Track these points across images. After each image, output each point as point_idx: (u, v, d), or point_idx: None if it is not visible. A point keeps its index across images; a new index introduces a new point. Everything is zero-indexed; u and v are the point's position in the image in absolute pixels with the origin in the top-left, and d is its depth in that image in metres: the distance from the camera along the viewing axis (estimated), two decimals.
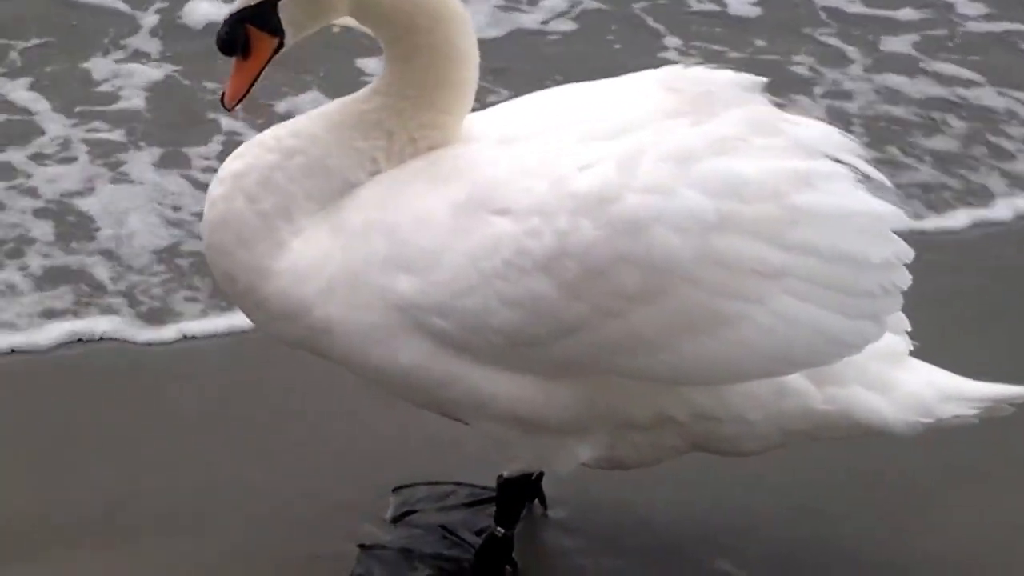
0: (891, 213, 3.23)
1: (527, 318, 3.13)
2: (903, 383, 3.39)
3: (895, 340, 3.43)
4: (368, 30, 3.32)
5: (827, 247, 3.16)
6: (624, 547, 3.72)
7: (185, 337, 4.50)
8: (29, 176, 5.13)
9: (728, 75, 3.42)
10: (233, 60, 3.25)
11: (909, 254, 3.25)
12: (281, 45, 3.26)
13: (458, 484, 3.89)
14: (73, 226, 4.92)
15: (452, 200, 3.19)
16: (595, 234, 3.09)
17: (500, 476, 3.53)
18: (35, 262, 4.75)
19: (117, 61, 5.80)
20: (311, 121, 3.36)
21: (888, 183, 3.38)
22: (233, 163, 3.33)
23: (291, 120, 3.40)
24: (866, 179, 3.29)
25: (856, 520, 3.87)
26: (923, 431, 3.40)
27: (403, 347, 3.22)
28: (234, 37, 3.22)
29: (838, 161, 3.26)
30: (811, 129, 3.34)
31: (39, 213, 4.97)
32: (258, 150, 3.32)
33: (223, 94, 3.28)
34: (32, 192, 5.05)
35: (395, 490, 3.89)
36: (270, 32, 3.23)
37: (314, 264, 3.25)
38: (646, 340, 3.14)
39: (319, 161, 3.29)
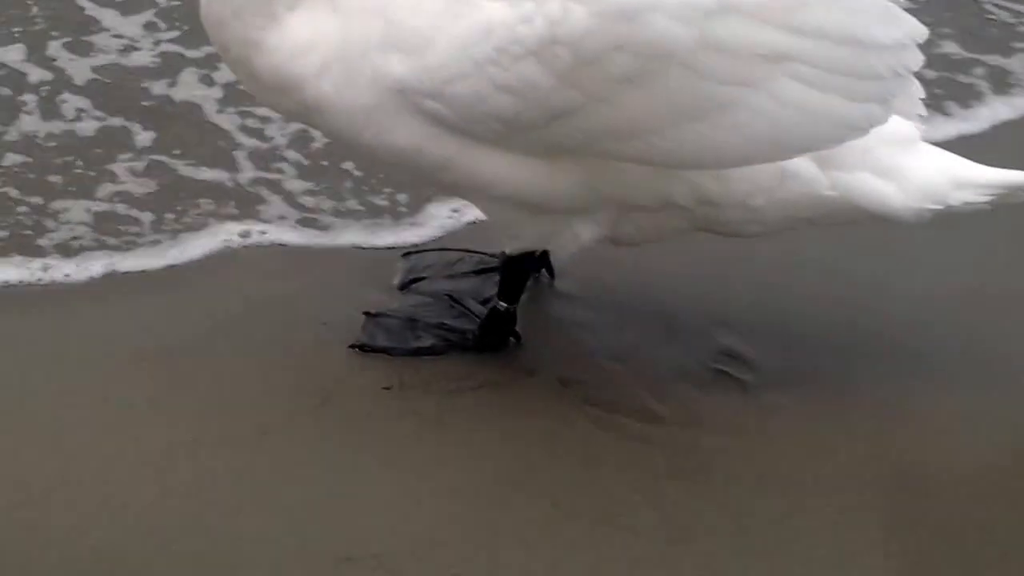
0: None
1: (520, 103, 3.05)
2: (913, 169, 3.29)
3: (906, 125, 3.31)
4: None
5: (836, 28, 3.03)
6: (629, 320, 3.72)
7: None
8: None
9: None
10: None
11: (922, 33, 3.11)
12: None
13: (467, 251, 3.88)
14: None
15: None
16: (588, 22, 2.97)
17: (502, 252, 3.52)
18: None
19: None
20: None
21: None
22: None
23: None
24: None
25: (864, 296, 3.84)
26: (931, 217, 3.31)
27: (398, 128, 3.17)
28: None
29: None
30: None
31: None
32: None
33: None
34: None
35: (404, 255, 3.90)
36: None
37: (308, 41, 3.18)
38: (637, 124, 3.06)
39: None
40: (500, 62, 3.03)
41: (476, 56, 3.04)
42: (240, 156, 4.28)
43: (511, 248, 3.47)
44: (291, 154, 4.29)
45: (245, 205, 4.08)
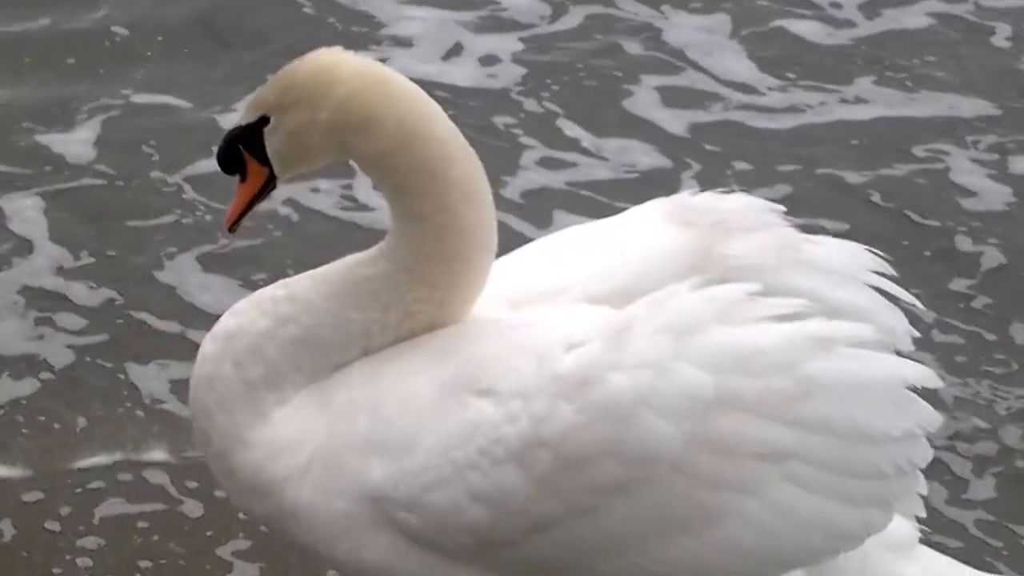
0: (920, 376, 2.87)
1: (495, 515, 2.82)
2: None
3: (904, 524, 3.08)
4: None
5: (842, 422, 2.80)
6: None
7: None
8: None
9: (739, 199, 3.16)
10: (237, 179, 3.05)
11: (935, 422, 2.87)
12: (273, 177, 3.01)
13: None
14: None
15: (439, 378, 2.91)
16: (573, 420, 2.76)
17: None
18: None
19: None
20: (312, 284, 3.08)
21: (920, 305, 3.14)
22: (228, 321, 3.11)
23: (294, 279, 3.13)
24: (896, 302, 3.10)
25: None
26: None
27: (372, 543, 2.94)
28: (228, 156, 3.02)
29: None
30: (835, 251, 3.10)
31: None
32: (254, 312, 3.08)
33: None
34: None
35: None
36: (259, 160, 3.00)
37: (292, 438, 3.01)
38: (619, 538, 2.83)
39: (311, 332, 3.04)
40: (480, 466, 2.81)
41: (457, 458, 2.83)
42: None
43: None
44: None
45: None
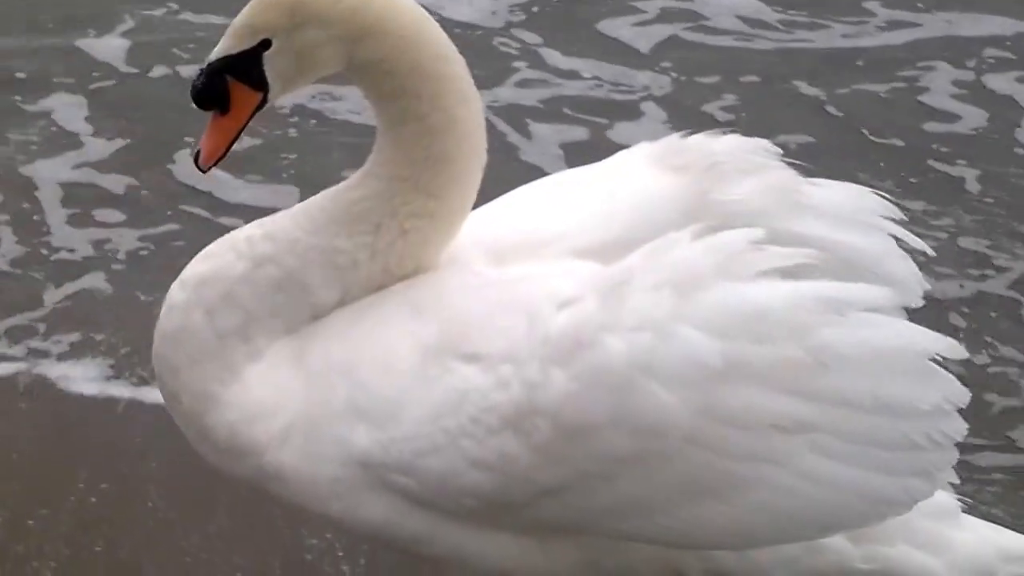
0: (942, 346, 2.69)
1: (499, 480, 2.67)
2: (958, 542, 2.90)
3: (945, 496, 2.93)
4: (361, 89, 2.92)
5: (863, 396, 2.63)
6: None
7: None
8: None
9: (732, 140, 2.96)
10: (210, 115, 2.83)
11: (964, 397, 2.70)
12: (264, 101, 2.82)
13: None
14: None
15: (421, 339, 2.74)
16: (568, 387, 2.60)
17: None
18: None
19: None
20: (293, 220, 2.90)
21: (931, 252, 2.96)
22: (199, 265, 2.92)
23: (271, 217, 2.94)
24: (908, 249, 2.92)
25: None
26: None
27: (369, 503, 2.79)
28: (213, 90, 2.79)
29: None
30: (838, 193, 2.91)
31: None
32: (230, 255, 2.89)
33: (197, 152, 2.83)
34: None
35: None
36: (252, 86, 2.79)
37: (268, 401, 2.83)
38: (640, 504, 2.67)
39: (292, 275, 2.87)
40: (474, 434, 2.66)
41: (448, 427, 2.68)
42: None
43: None
44: None
45: None
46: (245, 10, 2.78)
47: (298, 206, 2.94)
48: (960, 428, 2.70)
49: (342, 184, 2.92)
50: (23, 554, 3.74)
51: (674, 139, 3.00)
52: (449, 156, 2.84)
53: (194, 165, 2.83)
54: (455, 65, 2.83)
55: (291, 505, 2.92)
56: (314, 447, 2.77)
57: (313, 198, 2.94)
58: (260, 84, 2.79)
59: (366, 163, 2.91)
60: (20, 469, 4.01)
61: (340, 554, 3.72)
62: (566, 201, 2.97)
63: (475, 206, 2.96)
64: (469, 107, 2.85)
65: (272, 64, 2.79)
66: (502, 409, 2.64)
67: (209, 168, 2.85)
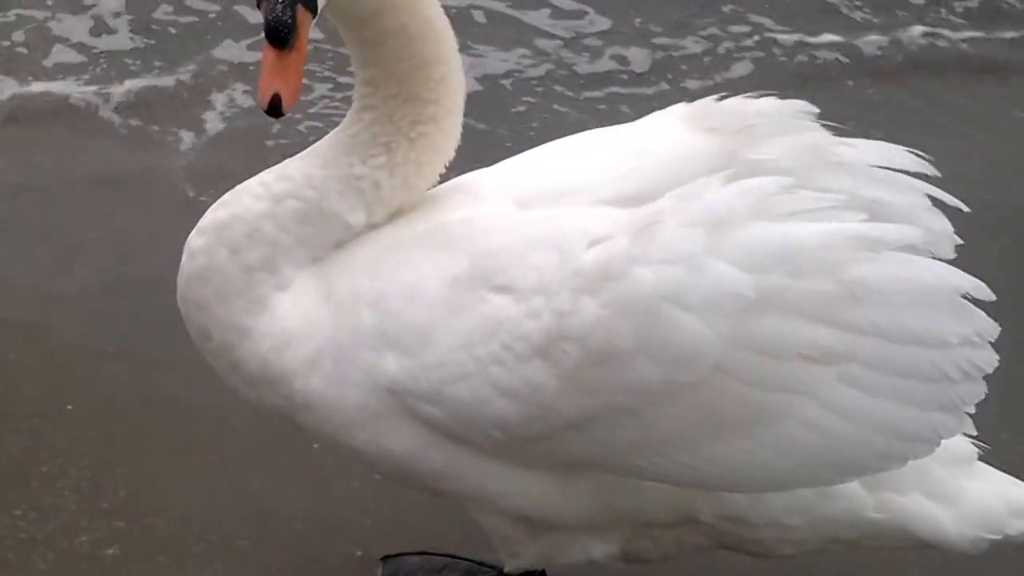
0: (970, 284, 2.72)
1: (525, 410, 2.72)
2: (970, 492, 2.95)
3: (960, 442, 2.97)
4: (335, 17, 2.86)
5: (893, 326, 2.66)
6: None
7: None
8: None
9: (769, 103, 2.98)
10: (269, 55, 2.62)
11: (993, 330, 2.72)
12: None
13: (453, 557, 3.49)
14: None
15: (450, 271, 2.78)
16: (597, 313, 2.64)
17: (500, 571, 3.14)
18: None
19: None
20: (302, 161, 2.95)
21: (965, 208, 2.95)
22: (216, 212, 2.95)
23: (278, 165, 2.98)
24: (939, 204, 2.91)
25: None
26: (987, 548, 2.97)
27: (394, 432, 2.84)
28: (292, 21, 2.60)
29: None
30: (870, 152, 2.91)
31: None
32: (246, 198, 2.92)
33: (275, 97, 2.62)
34: None
35: (383, 559, 3.51)
36: (311, 9, 2.66)
37: (298, 330, 2.88)
38: (664, 438, 2.71)
39: (315, 204, 2.91)
40: (504, 361, 2.71)
41: (479, 354, 2.72)
42: None
43: (511, 566, 3.08)
44: None
45: None
46: None
47: (303, 152, 2.98)
48: (991, 359, 2.72)
49: (339, 126, 2.96)
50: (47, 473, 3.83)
51: (709, 101, 3.03)
52: (433, 58, 2.89)
53: (269, 113, 2.65)
54: None
55: (319, 436, 2.98)
56: (342, 373, 2.82)
57: (314, 145, 2.98)
58: (312, 6, 2.65)
59: (354, 100, 2.93)
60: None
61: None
62: (595, 154, 3.00)
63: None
64: (434, 7, 2.88)
65: None
66: (532, 337, 2.68)
67: (290, 109, 2.68)
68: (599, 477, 2.84)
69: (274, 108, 2.62)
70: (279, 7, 2.59)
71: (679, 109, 3.04)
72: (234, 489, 3.77)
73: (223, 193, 2.98)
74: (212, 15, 5.75)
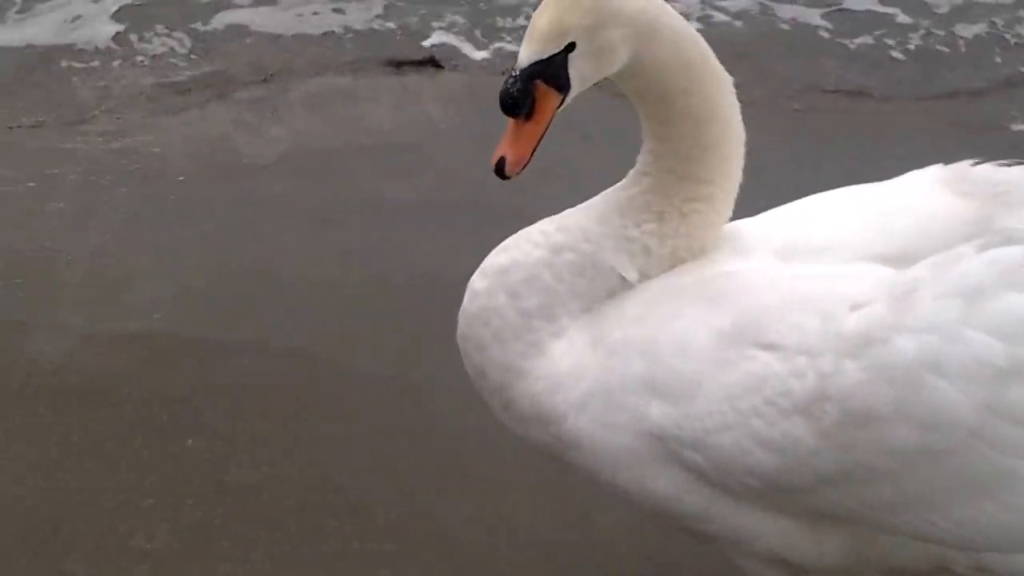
0: None
1: (783, 463, 2.84)
2: None
3: None
4: (626, 92, 3.06)
5: None
6: None
7: None
8: None
9: (1021, 171, 3.05)
10: (510, 122, 2.91)
11: None
12: (561, 103, 2.96)
13: None
14: None
15: (717, 326, 2.92)
16: (858, 377, 2.75)
17: None
18: None
19: None
20: (580, 214, 3.15)
21: None
22: (498, 257, 3.16)
23: (557, 216, 3.18)
24: None
25: None
26: None
27: (656, 475, 3.00)
28: (527, 95, 2.87)
29: None
30: None
31: None
32: (526, 245, 3.13)
33: (500, 161, 2.91)
34: None
35: None
36: (557, 88, 2.91)
37: (571, 374, 3.06)
38: (916, 499, 2.81)
39: (589, 257, 3.10)
40: (766, 416, 2.84)
41: (742, 407, 2.86)
42: None
43: None
44: None
45: None
46: (546, 13, 2.88)
47: (580, 205, 3.16)
48: None
49: (618, 184, 3.13)
50: None
51: (964, 165, 3.11)
52: (715, 143, 3.04)
53: (496, 174, 2.91)
54: (712, 56, 3.00)
55: (585, 472, 3.15)
56: (610, 417, 2.98)
57: (591, 200, 3.16)
58: (563, 86, 2.90)
59: (637, 163, 3.10)
60: None
61: None
62: (853, 211, 3.11)
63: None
64: (727, 94, 3.02)
65: (575, 65, 2.90)
66: (796, 395, 2.80)
67: (516, 174, 2.95)
68: (852, 527, 2.94)
69: (499, 170, 2.91)
70: (510, 80, 2.87)
71: (936, 172, 3.13)
72: (500, 514, 3.97)
73: None
74: None
